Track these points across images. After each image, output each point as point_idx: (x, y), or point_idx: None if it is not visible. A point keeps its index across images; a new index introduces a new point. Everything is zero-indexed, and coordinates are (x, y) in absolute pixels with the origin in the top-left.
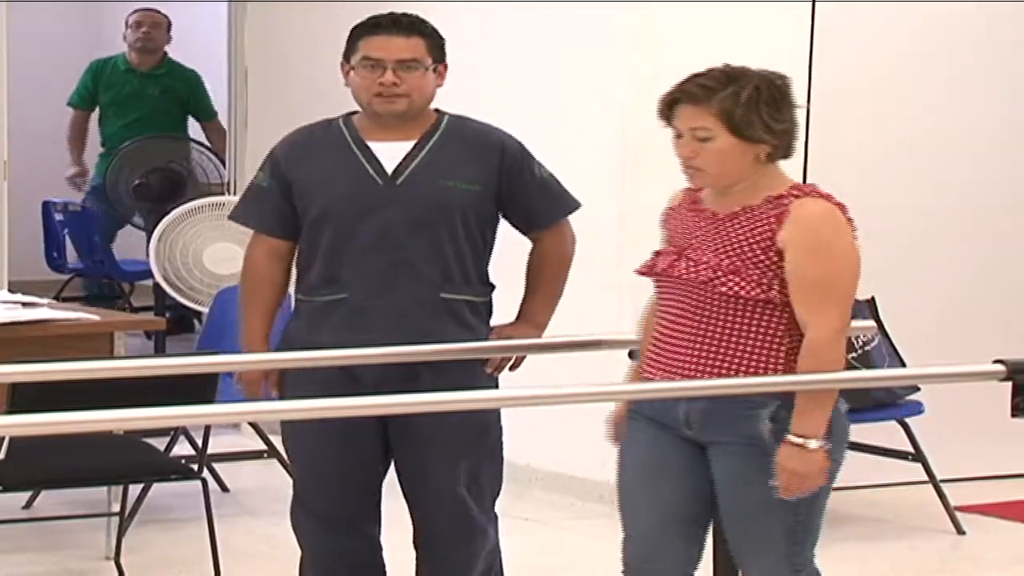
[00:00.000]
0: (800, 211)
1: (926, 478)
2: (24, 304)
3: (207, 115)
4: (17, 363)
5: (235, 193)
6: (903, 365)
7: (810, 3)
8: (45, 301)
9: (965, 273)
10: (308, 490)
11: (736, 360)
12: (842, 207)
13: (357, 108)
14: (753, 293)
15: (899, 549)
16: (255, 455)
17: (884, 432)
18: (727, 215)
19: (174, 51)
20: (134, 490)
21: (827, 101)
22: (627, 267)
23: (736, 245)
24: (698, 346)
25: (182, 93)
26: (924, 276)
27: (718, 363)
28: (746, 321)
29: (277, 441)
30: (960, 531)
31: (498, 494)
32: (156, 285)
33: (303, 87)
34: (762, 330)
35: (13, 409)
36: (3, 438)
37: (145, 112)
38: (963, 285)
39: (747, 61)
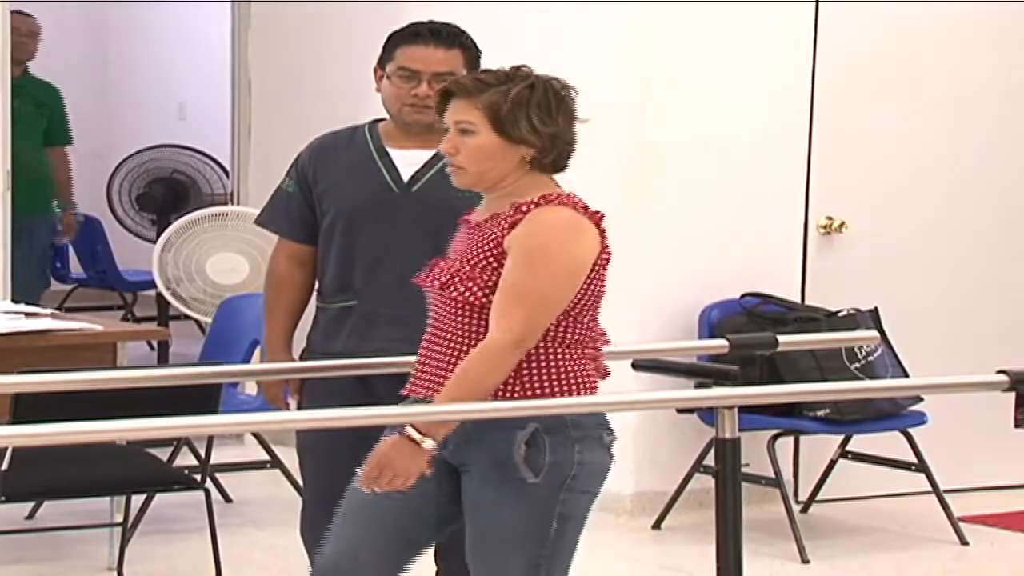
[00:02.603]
0: (533, 217)
1: (929, 488)
2: (27, 314)
3: (65, 138)
4: (20, 373)
5: (238, 203)
6: (906, 375)
7: (813, 4)
8: (48, 311)
9: (969, 283)
10: (322, 506)
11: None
12: (596, 220)
13: (383, 115)
14: (483, 299)
15: (903, 560)
16: (258, 466)
17: (887, 442)
18: (479, 222)
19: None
20: (137, 500)
21: (830, 103)
22: (630, 274)
23: (475, 251)
24: (444, 356)
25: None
26: (927, 286)
27: (451, 373)
28: (483, 329)
29: (280, 452)
30: (964, 542)
31: None
32: (159, 295)
33: (307, 96)
34: None
35: (16, 419)
36: (6, 448)
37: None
38: (967, 295)
39: (751, 62)
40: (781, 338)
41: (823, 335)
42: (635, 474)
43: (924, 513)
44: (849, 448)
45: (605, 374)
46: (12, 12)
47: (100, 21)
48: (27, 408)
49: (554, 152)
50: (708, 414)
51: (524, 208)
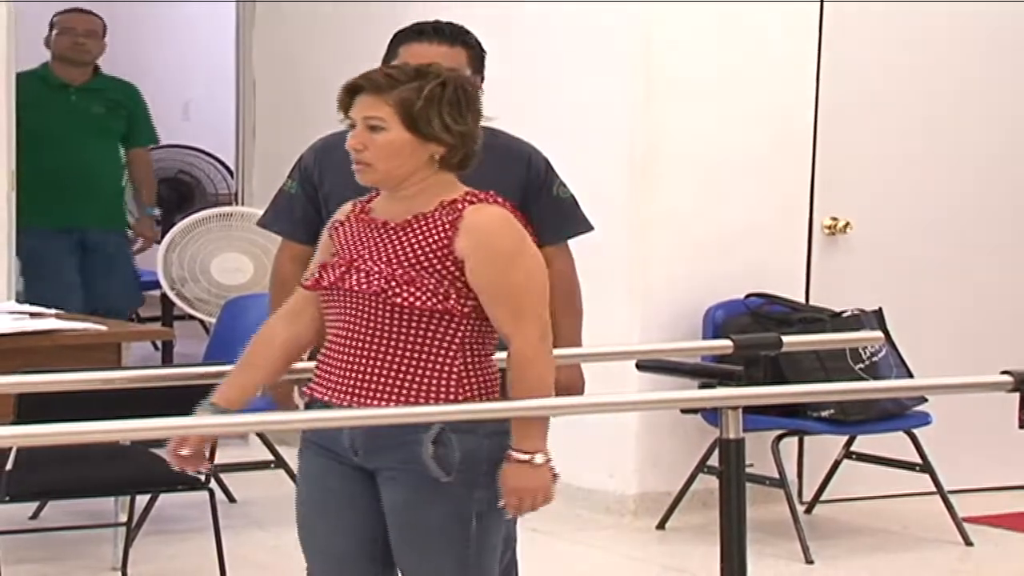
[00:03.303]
0: (476, 218)
1: (934, 489)
2: (31, 314)
3: (145, 139)
4: (24, 373)
5: (243, 203)
6: (910, 376)
7: (818, 5)
8: (52, 311)
9: (973, 284)
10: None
11: (412, 374)
12: (516, 214)
13: None
14: (430, 303)
15: (907, 560)
16: (262, 466)
17: (891, 443)
18: (399, 224)
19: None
20: (141, 501)
21: (834, 104)
22: (634, 274)
23: (411, 254)
24: (371, 361)
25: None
26: (931, 287)
27: (392, 379)
28: (420, 333)
29: (285, 452)
30: (968, 542)
31: None
32: (163, 295)
33: (311, 97)
34: (437, 342)
35: (20, 419)
36: (10, 448)
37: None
38: (971, 296)
39: (756, 63)
40: (785, 338)
41: (827, 336)
42: (639, 474)
43: (928, 514)
44: (853, 448)
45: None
46: (69, 10)
47: (105, 21)
48: (31, 408)
49: (463, 150)
50: (712, 414)
51: (460, 206)
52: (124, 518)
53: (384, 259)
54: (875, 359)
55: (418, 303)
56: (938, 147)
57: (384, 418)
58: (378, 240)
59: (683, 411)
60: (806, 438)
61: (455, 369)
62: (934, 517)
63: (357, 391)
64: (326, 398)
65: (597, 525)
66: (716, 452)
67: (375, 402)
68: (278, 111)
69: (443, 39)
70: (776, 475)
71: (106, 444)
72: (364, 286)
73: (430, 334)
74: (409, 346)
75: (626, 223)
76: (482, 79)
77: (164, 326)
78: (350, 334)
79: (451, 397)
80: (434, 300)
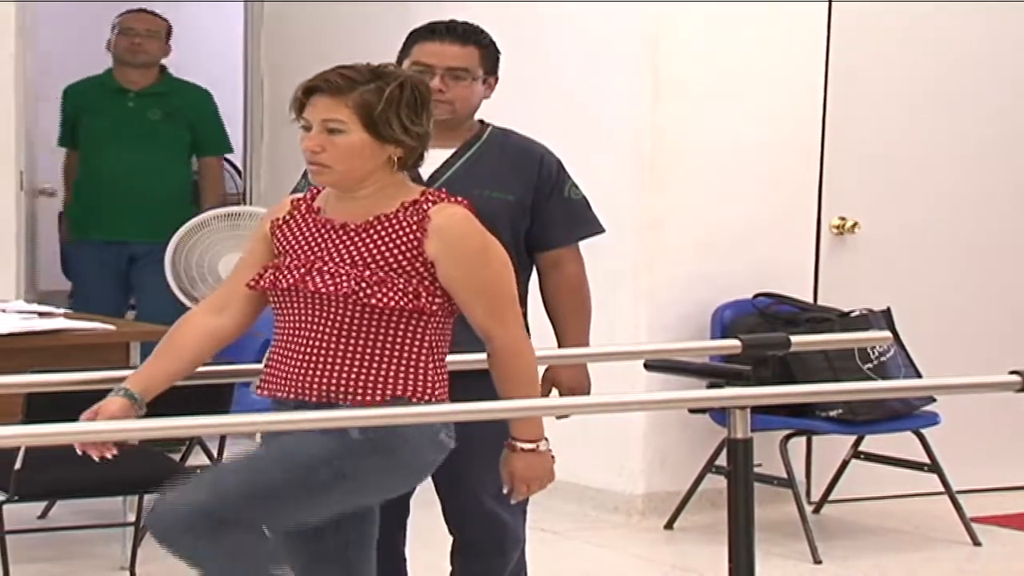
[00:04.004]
0: (442, 219)
1: (942, 489)
2: (40, 314)
3: (214, 147)
4: (33, 373)
5: (251, 203)
6: (919, 376)
7: (826, 5)
8: (61, 311)
9: (982, 284)
10: None
11: (383, 373)
12: (472, 212)
13: None
14: (402, 303)
15: (915, 560)
16: None
17: (900, 443)
18: (360, 225)
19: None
20: (149, 500)
21: (843, 103)
22: (643, 274)
23: (379, 255)
24: (340, 361)
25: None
26: (940, 286)
27: (363, 377)
28: (391, 332)
29: None
30: (976, 542)
31: (528, 502)
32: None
33: None
34: (408, 341)
35: (29, 419)
36: (18, 448)
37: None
38: (980, 296)
39: (764, 63)
40: (794, 338)
41: (836, 335)
42: (647, 474)
43: (937, 514)
44: (861, 448)
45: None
46: (131, 11)
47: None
48: (40, 408)
49: (419, 151)
50: (720, 414)
51: (423, 207)
52: (132, 517)
53: (350, 261)
54: (883, 359)
55: (392, 303)
56: (946, 147)
57: (385, 418)
58: (339, 242)
59: (691, 411)
60: (814, 438)
61: (422, 366)
62: (942, 517)
63: (326, 390)
64: (291, 396)
65: (605, 525)
66: (724, 452)
67: (347, 400)
68: (286, 111)
69: (455, 38)
70: (784, 475)
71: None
72: (332, 288)
73: (400, 333)
74: (379, 345)
75: (634, 223)
76: (496, 79)
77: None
78: (315, 335)
79: (420, 395)
80: (406, 299)
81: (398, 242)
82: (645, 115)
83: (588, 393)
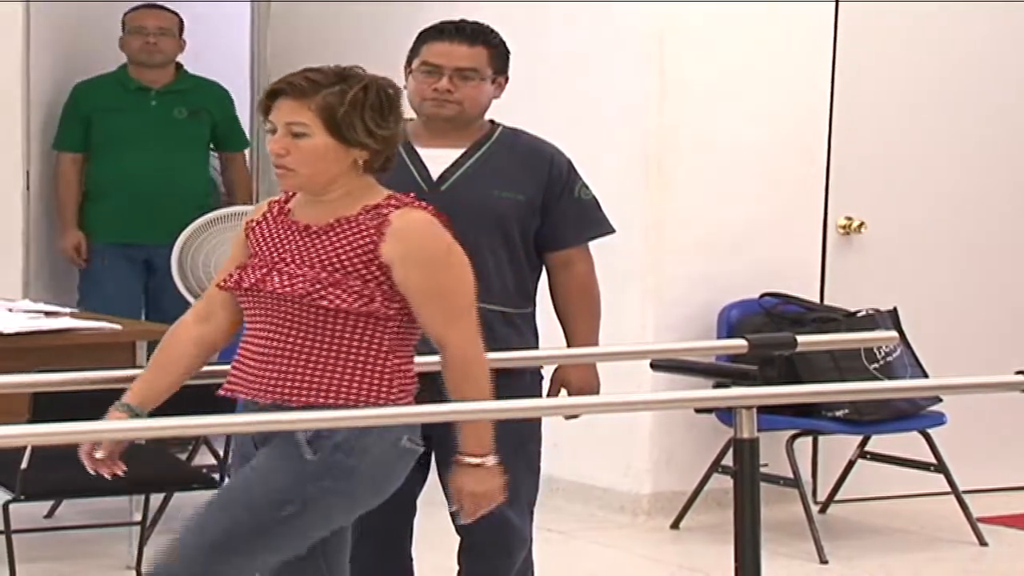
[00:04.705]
0: (402, 223)
1: (948, 489)
2: (47, 313)
3: (234, 143)
4: (39, 372)
5: (258, 201)
6: (925, 376)
7: (833, 5)
8: (67, 310)
9: (988, 284)
10: None
11: (339, 375)
12: (440, 219)
13: (410, 115)
14: (355, 306)
15: (921, 560)
16: None
17: (906, 443)
18: (322, 227)
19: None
20: (156, 500)
21: (849, 103)
22: (650, 275)
23: (335, 257)
24: (297, 363)
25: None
26: (946, 287)
27: (318, 379)
28: (347, 335)
29: None
30: (983, 542)
31: (535, 503)
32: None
33: None
34: (366, 343)
35: (35, 418)
36: (25, 447)
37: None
38: (986, 296)
39: (771, 62)
40: (800, 338)
41: (842, 335)
42: (653, 474)
43: (943, 514)
44: (868, 448)
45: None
46: (139, 7)
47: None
48: (46, 407)
49: (386, 154)
50: (726, 414)
51: (385, 211)
52: (139, 517)
53: (308, 262)
54: (890, 359)
55: (344, 305)
56: (953, 147)
57: (381, 418)
58: (300, 243)
59: (697, 411)
60: (820, 438)
61: (379, 371)
62: (948, 517)
63: (283, 391)
64: (251, 397)
65: (611, 524)
66: (730, 452)
67: (303, 402)
68: None
69: (464, 38)
70: (790, 475)
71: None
72: (288, 288)
73: (356, 336)
74: (335, 348)
75: (640, 223)
76: (506, 79)
77: None
78: (272, 335)
79: (375, 399)
80: (360, 302)
81: (354, 244)
82: (651, 115)
83: (597, 393)
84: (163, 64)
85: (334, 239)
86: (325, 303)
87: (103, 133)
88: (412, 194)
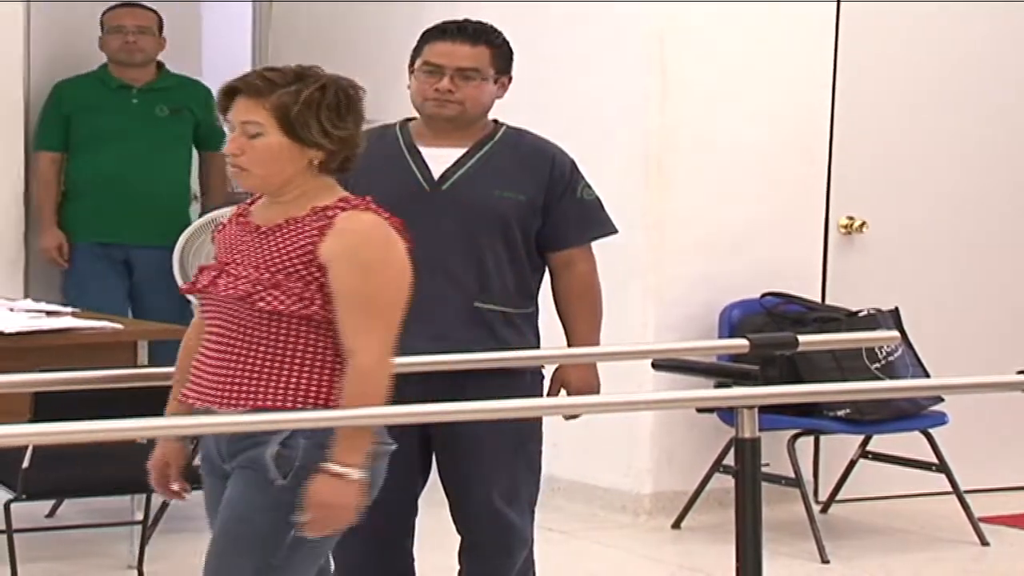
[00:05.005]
0: (346, 224)
1: (950, 489)
2: (48, 313)
3: (216, 142)
4: (41, 372)
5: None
6: (927, 376)
7: (835, 5)
8: (69, 310)
9: (990, 283)
10: None
11: (277, 380)
12: (396, 224)
13: (407, 115)
14: (293, 308)
15: (923, 560)
16: None
17: (908, 443)
18: (271, 228)
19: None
20: (157, 499)
21: (850, 103)
22: (650, 273)
23: (277, 258)
24: (239, 366)
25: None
26: (948, 286)
27: (257, 384)
28: (290, 338)
29: None
30: (984, 542)
31: (536, 502)
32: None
33: None
34: (309, 349)
35: (36, 418)
36: (27, 447)
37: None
38: (988, 295)
39: (772, 62)
40: (801, 338)
41: (843, 335)
42: (654, 474)
43: (944, 513)
44: (869, 448)
45: None
46: (117, 6)
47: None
48: (47, 407)
49: (343, 155)
50: (728, 414)
51: (330, 213)
52: (140, 516)
53: (253, 263)
54: (891, 359)
55: (281, 307)
56: (954, 147)
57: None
58: (250, 244)
59: (699, 410)
60: (822, 437)
61: (325, 374)
62: (950, 517)
63: (226, 395)
64: (198, 403)
65: (612, 524)
66: (732, 451)
67: (243, 406)
68: None
69: (466, 38)
70: (792, 474)
71: (122, 442)
72: (231, 290)
73: (299, 339)
74: (276, 351)
75: (642, 222)
76: (510, 78)
77: (182, 324)
78: (221, 338)
79: (319, 403)
80: (299, 305)
81: (296, 245)
82: (652, 115)
83: (597, 393)
84: (143, 63)
85: (279, 240)
86: (262, 304)
87: (83, 132)
88: (368, 198)
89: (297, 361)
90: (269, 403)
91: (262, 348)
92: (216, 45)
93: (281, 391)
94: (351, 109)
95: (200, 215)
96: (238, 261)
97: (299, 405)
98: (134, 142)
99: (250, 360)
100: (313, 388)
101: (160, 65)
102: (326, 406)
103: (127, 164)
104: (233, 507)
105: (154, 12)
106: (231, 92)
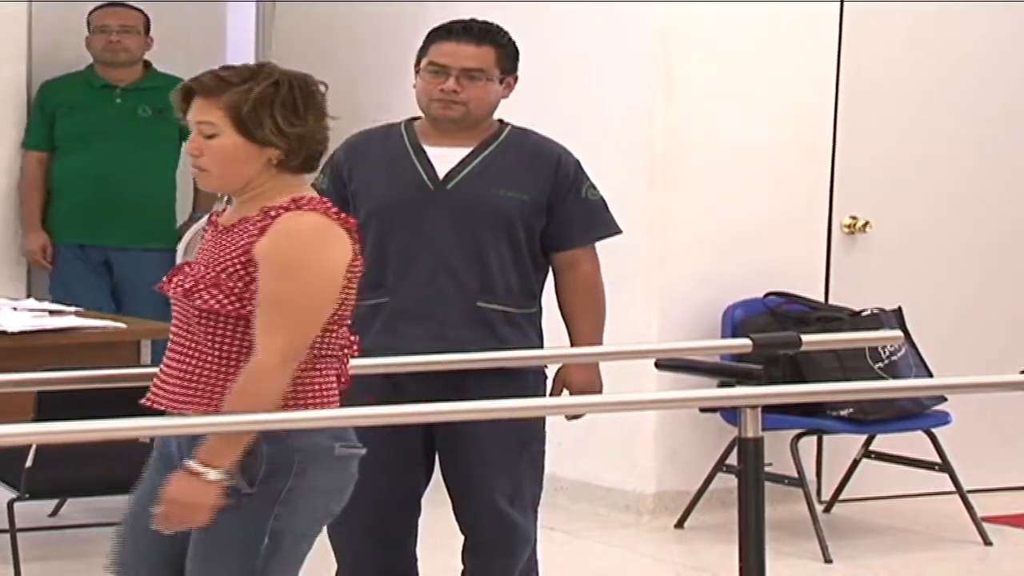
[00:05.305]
0: (283, 223)
1: (953, 488)
2: (51, 312)
3: None
4: (44, 371)
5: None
6: (930, 375)
7: (838, 5)
8: (72, 309)
9: (993, 283)
10: (353, 504)
11: (217, 381)
12: (347, 226)
13: (412, 114)
14: (229, 308)
15: (926, 560)
16: None
17: (911, 442)
18: (226, 227)
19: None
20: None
21: (854, 102)
22: (653, 273)
23: (222, 257)
24: (183, 366)
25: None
26: (951, 286)
27: (203, 384)
28: (225, 337)
29: None
30: (987, 542)
31: (539, 502)
32: None
33: (331, 97)
34: (245, 349)
35: (40, 417)
36: (30, 446)
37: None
38: (990, 295)
39: (776, 62)
40: (804, 338)
41: (846, 335)
42: (657, 473)
43: (947, 513)
44: (872, 448)
45: (346, 383)
46: (103, 6)
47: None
48: (50, 406)
49: (303, 153)
50: (731, 413)
51: (273, 213)
52: None
53: (204, 262)
54: (894, 358)
55: (216, 305)
56: (957, 146)
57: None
58: (210, 243)
59: (702, 410)
60: (825, 437)
61: None
62: (953, 517)
63: (176, 395)
64: (153, 404)
65: (615, 524)
66: (735, 451)
67: (190, 407)
68: None
69: (471, 38)
70: (795, 474)
71: (125, 441)
72: (179, 288)
73: (236, 339)
74: (215, 350)
75: (645, 222)
76: (516, 78)
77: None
78: (176, 337)
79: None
80: (236, 304)
81: (238, 243)
82: (656, 114)
83: (599, 393)
84: (128, 62)
85: (228, 239)
86: (199, 302)
87: (67, 131)
88: (328, 200)
89: (234, 361)
90: (209, 405)
91: (203, 348)
92: (220, 45)
93: (218, 393)
94: (308, 105)
95: (191, 216)
96: (197, 260)
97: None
98: (116, 142)
99: (193, 360)
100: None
101: (148, 65)
102: (293, 406)
103: (109, 165)
104: (206, 533)
105: (140, 12)
106: (188, 93)
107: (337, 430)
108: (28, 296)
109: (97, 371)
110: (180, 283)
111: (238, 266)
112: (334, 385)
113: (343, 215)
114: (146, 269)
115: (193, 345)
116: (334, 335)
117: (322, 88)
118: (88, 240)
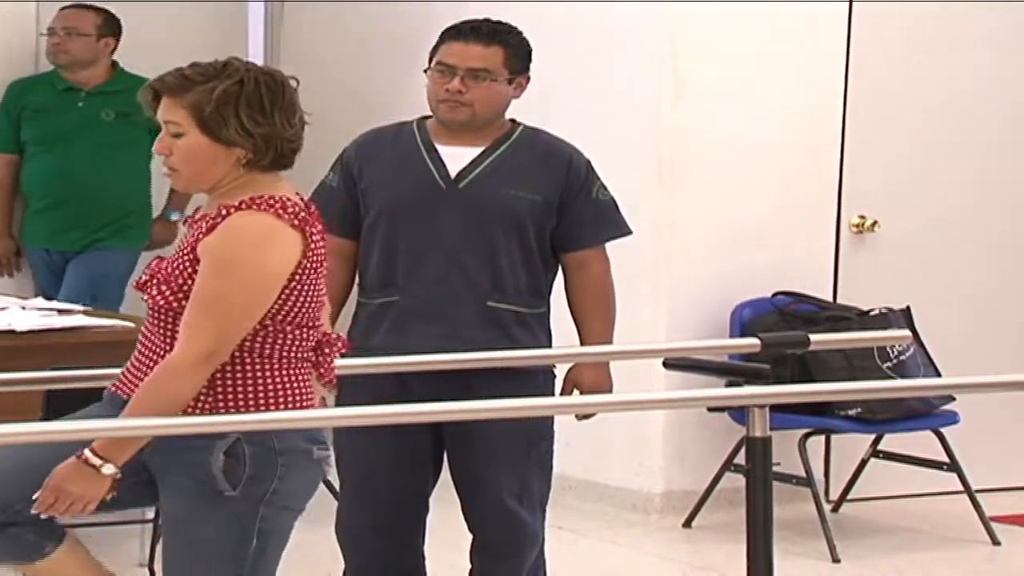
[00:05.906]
0: (230, 221)
1: (961, 488)
2: (59, 311)
3: None
4: (52, 370)
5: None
6: (938, 375)
7: (847, 4)
8: (80, 308)
9: (1001, 282)
10: (361, 503)
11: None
12: (303, 225)
13: (423, 113)
14: (174, 304)
15: (934, 560)
16: None
17: (919, 442)
18: (190, 223)
19: None
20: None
21: (863, 102)
22: (661, 272)
23: (177, 254)
24: (143, 357)
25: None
26: (960, 285)
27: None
28: (177, 332)
29: None
30: (995, 542)
31: (547, 501)
32: None
33: (339, 97)
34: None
35: (48, 416)
36: None
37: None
38: (999, 294)
39: (784, 61)
40: (813, 337)
41: (855, 334)
42: (665, 473)
43: (956, 513)
44: (880, 447)
45: (330, 382)
46: (63, 8)
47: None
48: (59, 405)
49: (271, 152)
50: (739, 413)
51: (225, 212)
52: (151, 515)
53: (167, 259)
54: (902, 358)
55: (162, 301)
56: (966, 146)
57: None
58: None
59: (710, 409)
60: (833, 437)
61: (216, 378)
62: (961, 516)
63: (136, 386)
64: (117, 391)
65: (623, 523)
66: (743, 450)
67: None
68: (305, 110)
69: (479, 38)
70: (803, 474)
71: None
72: (141, 283)
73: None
74: (168, 344)
75: (653, 221)
76: (528, 78)
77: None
78: (143, 329)
79: (218, 408)
80: (179, 301)
81: (188, 241)
82: (664, 114)
83: (610, 391)
84: (68, 65)
85: (187, 237)
86: (148, 299)
87: (31, 134)
88: (289, 199)
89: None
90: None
91: (156, 341)
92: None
93: None
94: (276, 103)
95: (162, 214)
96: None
97: (205, 408)
98: (79, 147)
99: (149, 352)
100: (219, 388)
101: (115, 66)
102: (215, 409)
103: (71, 169)
104: (186, 525)
105: (94, 14)
106: (156, 93)
107: (313, 432)
108: (36, 295)
109: (105, 370)
110: (141, 277)
111: (186, 263)
112: (311, 387)
113: (304, 217)
114: (112, 268)
115: (152, 338)
116: (290, 336)
117: (293, 84)
118: (52, 245)
